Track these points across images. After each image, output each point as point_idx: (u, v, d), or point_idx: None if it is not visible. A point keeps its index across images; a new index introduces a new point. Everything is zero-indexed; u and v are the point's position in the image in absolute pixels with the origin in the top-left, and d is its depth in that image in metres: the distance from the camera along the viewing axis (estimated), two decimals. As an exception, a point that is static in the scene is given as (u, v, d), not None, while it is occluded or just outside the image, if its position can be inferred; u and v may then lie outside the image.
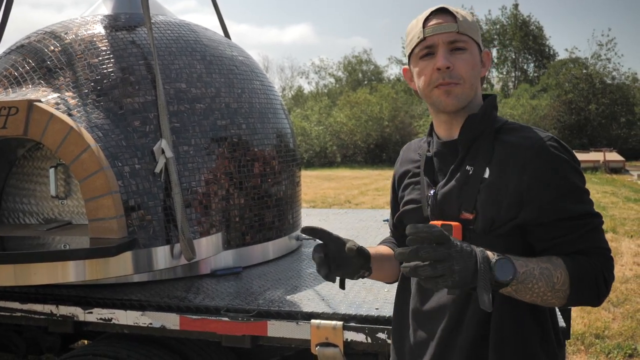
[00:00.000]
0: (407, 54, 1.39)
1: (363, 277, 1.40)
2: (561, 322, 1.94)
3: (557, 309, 2.07)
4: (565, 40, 67.38)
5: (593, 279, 1.20)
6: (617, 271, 6.22)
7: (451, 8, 1.33)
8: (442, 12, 1.32)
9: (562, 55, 36.21)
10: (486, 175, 1.27)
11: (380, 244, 1.62)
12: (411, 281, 1.44)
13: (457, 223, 1.26)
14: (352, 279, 1.37)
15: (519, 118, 26.15)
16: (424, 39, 1.31)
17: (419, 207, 1.38)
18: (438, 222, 1.27)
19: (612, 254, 1.26)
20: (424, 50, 1.32)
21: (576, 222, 1.22)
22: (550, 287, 1.17)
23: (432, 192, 1.35)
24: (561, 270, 1.18)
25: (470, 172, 1.28)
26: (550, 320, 1.30)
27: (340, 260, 1.32)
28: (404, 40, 1.41)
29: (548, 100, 27.66)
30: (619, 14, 62.58)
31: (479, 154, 1.29)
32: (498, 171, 1.25)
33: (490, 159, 1.27)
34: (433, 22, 1.31)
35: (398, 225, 1.51)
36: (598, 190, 13.21)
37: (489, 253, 1.13)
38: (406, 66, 1.43)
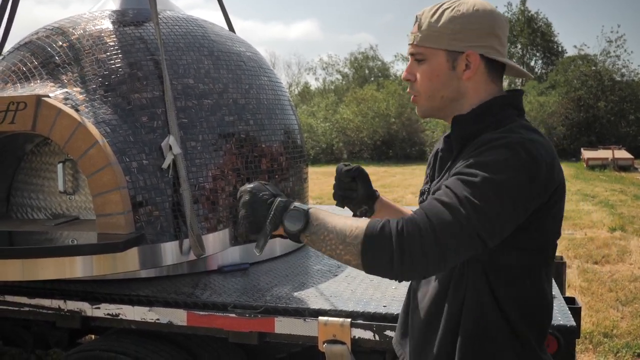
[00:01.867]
0: None
1: (365, 215, 1.52)
2: (571, 322, 1.92)
3: (558, 308, 2.05)
4: (573, 37, 67.00)
5: (386, 236, 1.08)
6: (626, 270, 6.18)
7: (420, 14, 1.31)
8: (416, 19, 1.33)
9: (570, 52, 35.98)
10: None
11: None
12: None
13: None
14: (354, 211, 1.53)
15: (527, 115, 26.00)
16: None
17: (424, 200, 1.39)
18: None
19: (435, 234, 1.07)
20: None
21: (442, 189, 1.13)
22: (341, 240, 1.13)
23: (427, 187, 1.38)
24: (358, 224, 1.12)
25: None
26: (527, 319, 1.24)
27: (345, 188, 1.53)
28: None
29: (556, 97, 27.49)
30: (629, 10, 62.08)
31: (463, 156, 1.26)
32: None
33: None
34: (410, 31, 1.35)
35: None
36: (607, 188, 13.12)
37: (296, 204, 1.21)
38: None
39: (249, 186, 1.25)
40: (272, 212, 1.20)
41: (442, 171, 1.36)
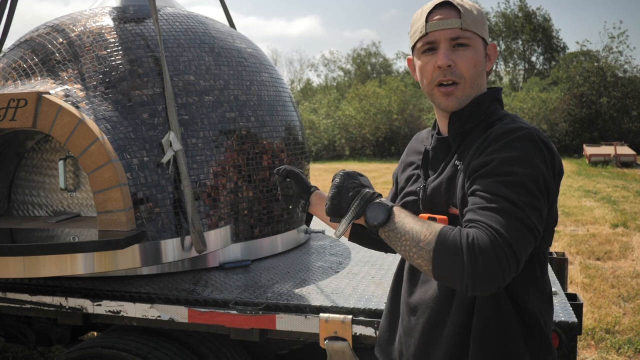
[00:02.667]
0: (411, 46, 1.38)
1: (304, 208, 1.60)
2: (572, 318, 1.92)
3: (560, 305, 2.05)
4: (576, 33, 66.75)
5: (458, 250, 1.08)
6: (628, 266, 6.17)
7: (456, 1, 1.28)
8: (446, 5, 1.28)
9: (573, 48, 35.87)
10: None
11: None
12: (404, 271, 1.45)
13: (444, 217, 1.27)
14: (295, 207, 1.63)
15: (529, 111, 25.98)
16: (427, 34, 1.29)
17: (416, 200, 1.39)
18: (425, 215, 1.29)
19: (505, 245, 1.07)
20: (425, 46, 1.31)
21: (488, 197, 1.13)
22: (415, 243, 1.14)
23: (422, 185, 1.37)
24: (432, 231, 1.12)
25: (459, 167, 1.27)
26: (538, 320, 1.26)
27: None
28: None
29: (559, 93, 27.42)
30: (631, 6, 61.84)
31: (468, 148, 1.28)
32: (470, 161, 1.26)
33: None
34: (436, 16, 1.28)
35: None
36: (609, 185, 13.09)
37: (382, 199, 1.24)
38: (410, 56, 1.42)
39: (343, 171, 1.31)
40: (358, 201, 1.24)
41: (437, 168, 1.35)
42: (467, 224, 1.13)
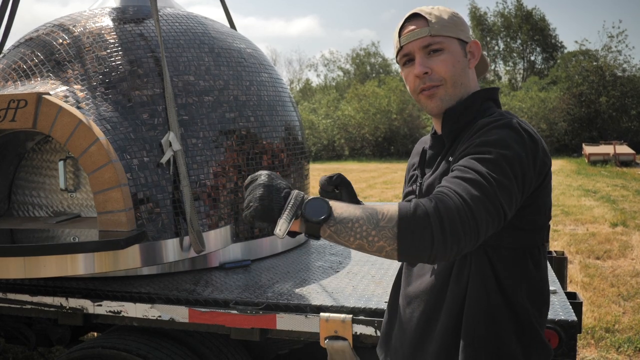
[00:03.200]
0: (396, 61, 1.46)
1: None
2: (572, 317, 1.92)
3: (560, 304, 2.05)
4: (575, 32, 66.74)
5: (423, 217, 1.04)
6: (628, 265, 6.17)
7: (424, 11, 1.35)
8: (415, 17, 1.36)
9: (572, 47, 35.89)
10: None
11: None
12: (403, 265, 1.48)
13: None
14: None
15: (528, 111, 26.00)
16: (402, 47, 1.37)
17: (414, 198, 1.42)
18: None
19: (471, 209, 1.06)
20: (404, 58, 1.38)
21: (459, 168, 1.14)
22: (373, 224, 1.07)
23: (419, 183, 1.40)
24: (390, 207, 1.08)
25: (452, 163, 1.29)
26: (529, 316, 1.27)
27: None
28: None
29: (558, 92, 27.44)
30: (630, 5, 61.85)
31: (460, 146, 1.30)
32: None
33: None
34: (407, 29, 1.36)
35: None
36: (608, 184, 13.10)
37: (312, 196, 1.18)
38: None
39: (263, 172, 1.20)
40: (292, 200, 1.13)
41: (432, 166, 1.39)
42: (434, 192, 1.11)
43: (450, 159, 1.30)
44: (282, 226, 1.12)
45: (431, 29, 1.32)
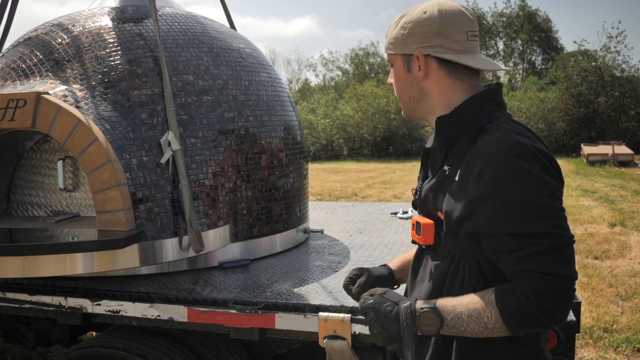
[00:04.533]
0: None
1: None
2: (570, 316, 1.93)
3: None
4: (574, 32, 66.82)
5: (528, 312, 1.14)
6: (626, 265, 6.18)
7: (390, 25, 1.39)
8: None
9: (570, 47, 35.90)
10: (457, 177, 1.26)
11: None
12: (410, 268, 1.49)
13: (430, 221, 1.33)
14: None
15: (527, 111, 25.99)
16: None
17: (415, 200, 1.45)
18: (415, 218, 1.37)
19: (563, 281, 1.14)
20: None
21: (520, 241, 1.14)
22: (482, 327, 1.17)
23: (419, 186, 1.42)
24: (491, 309, 1.16)
25: (447, 173, 1.30)
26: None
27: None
28: None
29: (556, 92, 27.44)
30: (629, 6, 61.94)
31: (457, 154, 1.29)
32: (464, 174, 1.23)
33: (463, 160, 1.26)
34: None
35: None
36: (607, 184, 13.11)
37: (418, 304, 1.21)
38: None
39: (369, 301, 1.27)
40: (405, 325, 1.21)
41: (433, 171, 1.38)
42: (513, 276, 1.17)
43: (446, 167, 1.30)
44: (409, 356, 1.24)
45: (384, 47, 1.40)
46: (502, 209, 1.15)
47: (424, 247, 1.37)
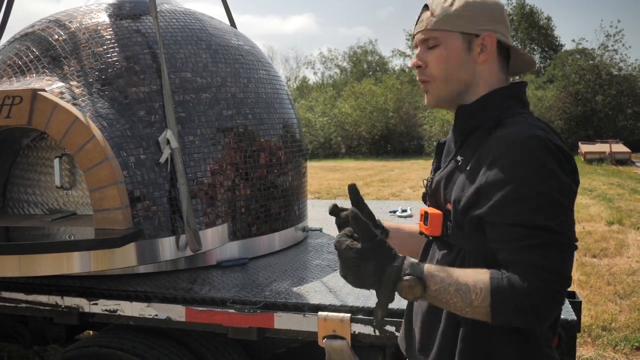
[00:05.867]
0: None
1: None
2: (572, 316, 1.92)
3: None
4: (572, 31, 66.96)
5: (517, 301, 1.09)
6: (624, 263, 6.18)
7: (431, 2, 1.32)
8: (425, 8, 1.34)
9: (568, 46, 35.88)
10: (468, 167, 1.24)
11: None
12: None
13: (438, 212, 1.30)
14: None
15: (525, 109, 26.00)
16: (413, 37, 1.37)
17: (427, 192, 1.43)
18: (423, 209, 1.33)
19: (557, 281, 1.11)
20: (415, 47, 1.37)
21: (524, 232, 1.11)
22: (467, 303, 1.12)
23: (430, 177, 1.39)
24: (482, 287, 1.11)
25: (460, 163, 1.27)
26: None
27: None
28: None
29: (554, 91, 27.47)
30: (627, 4, 62.00)
31: (471, 145, 1.27)
32: (475, 164, 1.21)
33: (477, 151, 1.24)
34: (418, 19, 1.35)
35: None
36: (604, 182, 13.13)
37: (405, 265, 1.13)
38: None
39: (351, 253, 1.14)
40: (384, 286, 1.13)
41: (447, 161, 1.36)
42: (509, 265, 1.13)
43: (459, 158, 1.28)
44: (379, 314, 1.16)
45: (428, 23, 1.29)
46: (510, 198, 1.12)
47: (430, 238, 1.36)
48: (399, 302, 1.39)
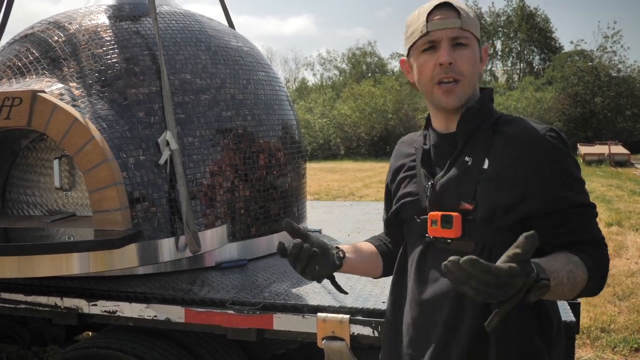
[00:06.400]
0: (408, 47, 1.39)
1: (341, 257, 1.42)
2: (570, 317, 1.92)
3: (559, 303, 2.05)
4: (570, 32, 67.03)
5: (600, 275, 1.24)
6: (623, 265, 6.18)
7: (455, 3, 1.33)
8: (445, 6, 1.32)
9: (567, 47, 35.89)
10: (485, 166, 1.28)
11: (366, 241, 1.66)
12: (409, 273, 1.43)
13: (456, 213, 1.29)
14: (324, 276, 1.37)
15: (523, 111, 26.03)
16: (428, 33, 1.31)
17: (417, 199, 1.39)
18: (438, 213, 1.30)
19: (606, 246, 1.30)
20: (426, 44, 1.33)
21: (577, 211, 1.26)
22: (572, 287, 1.18)
23: (430, 183, 1.36)
24: (581, 268, 1.20)
25: (469, 163, 1.30)
26: (548, 311, 1.32)
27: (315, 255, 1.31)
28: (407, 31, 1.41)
29: (553, 93, 27.51)
30: (625, 6, 62.11)
31: (477, 145, 1.31)
32: (498, 162, 1.27)
33: (489, 150, 1.29)
34: (437, 16, 1.31)
35: (393, 221, 1.53)
36: (603, 184, 13.12)
37: (542, 274, 1.06)
38: (404, 57, 1.44)
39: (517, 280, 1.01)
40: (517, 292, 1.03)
41: (443, 165, 1.36)
42: (584, 241, 1.25)
43: (468, 159, 1.30)
44: (494, 322, 1.05)
45: (462, 22, 1.30)
46: (567, 185, 1.26)
47: (433, 241, 1.33)
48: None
